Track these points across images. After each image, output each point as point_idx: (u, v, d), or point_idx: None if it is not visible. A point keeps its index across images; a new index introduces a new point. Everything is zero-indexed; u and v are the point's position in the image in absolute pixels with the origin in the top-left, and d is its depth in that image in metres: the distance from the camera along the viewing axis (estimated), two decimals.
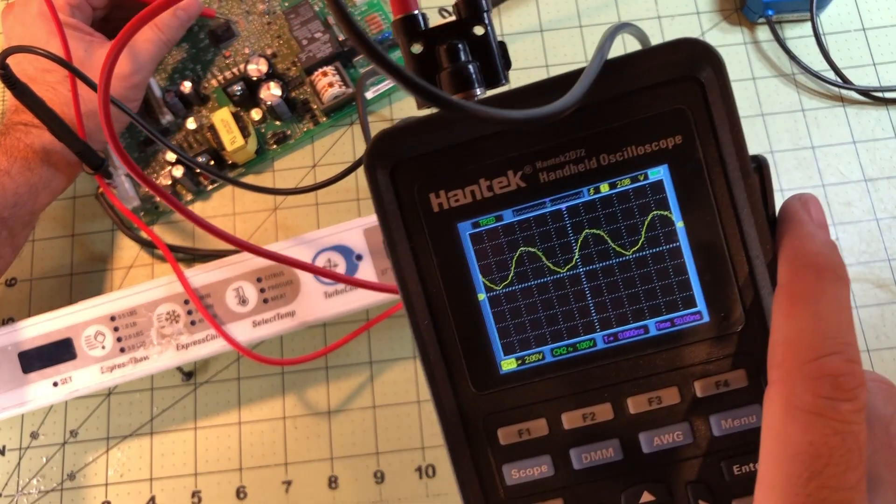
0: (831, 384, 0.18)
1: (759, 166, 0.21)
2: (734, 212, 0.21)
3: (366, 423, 0.45)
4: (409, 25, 0.22)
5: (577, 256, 0.22)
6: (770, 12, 0.50)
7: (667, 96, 0.21)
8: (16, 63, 0.37)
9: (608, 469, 0.22)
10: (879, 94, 0.49)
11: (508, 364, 0.22)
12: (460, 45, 0.22)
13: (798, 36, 0.51)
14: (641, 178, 0.21)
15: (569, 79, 0.20)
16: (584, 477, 0.22)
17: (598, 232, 0.22)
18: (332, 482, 0.44)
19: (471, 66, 0.22)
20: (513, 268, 0.22)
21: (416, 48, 0.22)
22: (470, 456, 0.22)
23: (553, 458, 0.22)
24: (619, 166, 0.21)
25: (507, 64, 0.23)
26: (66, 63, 0.39)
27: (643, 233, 0.21)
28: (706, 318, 0.21)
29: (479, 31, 0.22)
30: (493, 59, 0.22)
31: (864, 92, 0.49)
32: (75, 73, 0.39)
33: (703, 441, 0.21)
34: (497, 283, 0.22)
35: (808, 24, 0.50)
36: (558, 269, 0.22)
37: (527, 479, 0.22)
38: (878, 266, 0.46)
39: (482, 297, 0.22)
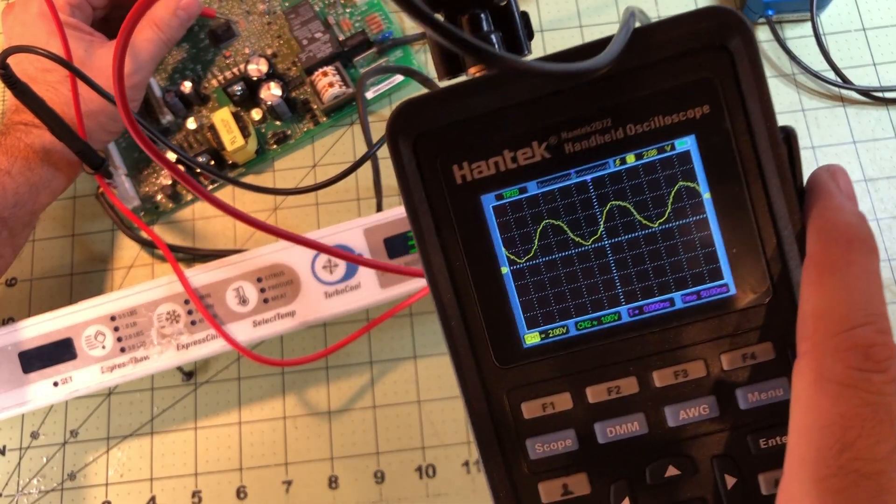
0: (863, 355, 0.17)
1: (788, 136, 0.20)
2: (762, 183, 0.21)
3: (366, 423, 0.45)
4: None
5: (602, 229, 0.21)
6: (770, 12, 0.50)
7: (695, 65, 0.20)
8: (16, 63, 0.37)
9: (633, 443, 0.21)
10: (879, 94, 0.49)
11: (532, 338, 0.22)
12: (483, 15, 0.21)
13: (798, 36, 0.51)
14: (668, 149, 0.21)
15: (600, 45, 0.19)
16: (608, 451, 0.21)
17: (624, 204, 0.21)
18: (333, 482, 0.44)
19: (493, 36, 0.21)
20: (536, 240, 0.21)
21: (438, 17, 0.22)
22: (493, 432, 0.22)
23: (577, 432, 0.21)
24: (645, 136, 0.21)
25: (530, 34, 0.22)
26: (66, 63, 0.39)
27: (669, 204, 0.21)
28: (733, 291, 0.21)
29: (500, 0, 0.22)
30: (516, 29, 0.22)
31: (865, 92, 0.49)
32: (75, 73, 0.39)
33: (730, 414, 0.21)
34: (521, 255, 0.22)
35: (809, 24, 0.50)
36: (583, 242, 0.21)
37: (551, 453, 0.21)
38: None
39: (505, 270, 0.22)
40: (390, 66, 0.50)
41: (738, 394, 0.21)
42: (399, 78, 0.50)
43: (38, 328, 0.40)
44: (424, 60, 0.52)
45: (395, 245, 0.40)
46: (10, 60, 0.36)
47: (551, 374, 0.22)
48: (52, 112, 0.39)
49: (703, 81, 0.20)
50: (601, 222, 0.21)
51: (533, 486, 0.22)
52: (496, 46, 0.21)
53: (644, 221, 0.21)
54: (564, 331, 0.22)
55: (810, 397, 0.18)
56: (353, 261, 0.37)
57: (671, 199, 0.21)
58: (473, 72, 0.22)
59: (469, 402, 0.22)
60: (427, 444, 0.44)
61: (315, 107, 0.50)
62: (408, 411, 0.45)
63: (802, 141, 0.48)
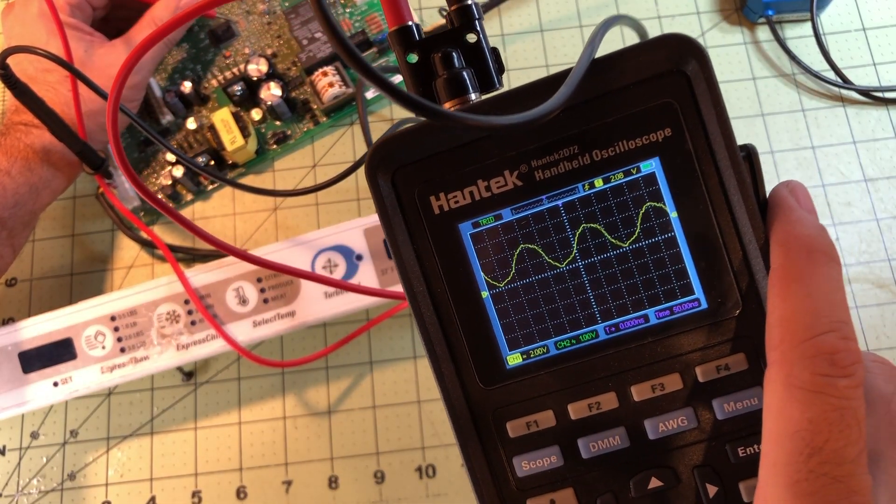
0: (828, 361, 0.18)
1: (749, 154, 0.21)
2: (725, 200, 0.21)
3: (366, 423, 0.45)
4: (404, 36, 0.23)
5: (575, 251, 0.22)
6: (770, 12, 0.50)
7: (655, 91, 0.21)
8: (16, 63, 0.37)
9: (616, 457, 0.22)
10: (879, 94, 0.49)
11: (514, 359, 0.22)
12: (454, 53, 0.22)
13: (798, 36, 0.51)
14: (634, 172, 0.22)
15: (558, 80, 0.20)
16: (592, 466, 0.22)
17: (595, 226, 0.22)
18: (333, 482, 0.44)
19: (465, 73, 0.22)
20: (514, 264, 0.22)
21: (412, 57, 0.23)
22: (481, 450, 0.22)
23: (561, 448, 0.22)
24: (611, 161, 0.22)
25: (501, 69, 0.23)
26: (66, 63, 0.39)
27: (638, 224, 0.22)
28: (704, 305, 0.22)
29: (471, 38, 0.23)
30: (487, 65, 0.23)
31: (865, 92, 0.49)
32: (75, 74, 0.39)
33: (707, 425, 0.22)
34: (499, 280, 0.22)
35: (809, 24, 0.50)
36: (558, 264, 0.22)
37: (537, 469, 0.22)
38: (878, 266, 0.46)
39: (485, 294, 0.22)
40: (390, 66, 0.50)
41: (714, 404, 0.22)
42: (399, 78, 0.50)
43: (38, 328, 0.40)
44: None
45: None
46: (10, 60, 0.36)
47: (534, 393, 0.22)
48: (51, 112, 0.39)
49: (663, 105, 0.21)
50: (574, 245, 0.22)
51: (521, 502, 0.22)
52: (468, 82, 0.22)
53: (615, 242, 0.22)
54: (545, 350, 0.22)
55: (780, 404, 0.18)
56: (331, 283, 0.37)
57: (640, 220, 0.22)
58: (449, 106, 0.23)
59: (456, 423, 0.22)
60: (427, 445, 0.44)
61: (315, 107, 0.50)
62: (408, 411, 0.45)
63: (802, 141, 0.49)
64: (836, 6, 0.51)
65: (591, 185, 0.22)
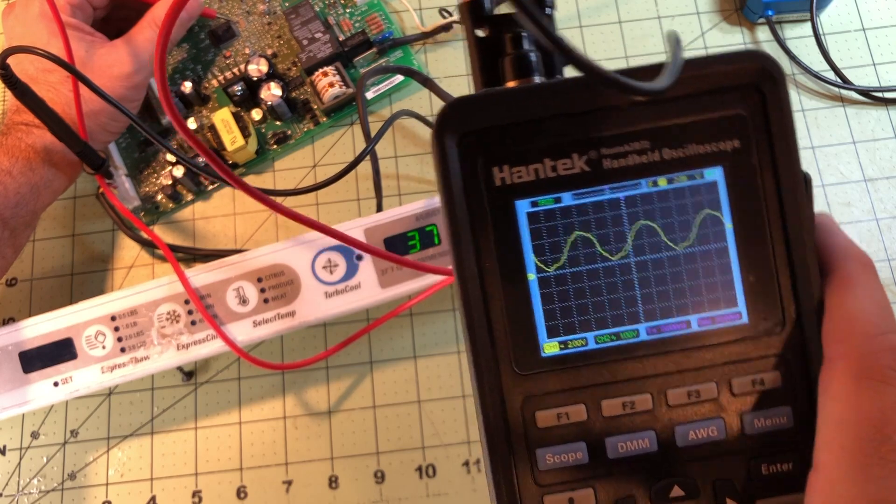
0: None
1: (806, 182, 0.22)
2: (782, 220, 0.22)
3: (366, 422, 0.45)
4: (476, 10, 0.23)
5: (629, 246, 0.22)
6: (770, 12, 0.50)
7: (730, 101, 0.21)
8: (17, 63, 0.37)
9: (641, 461, 0.21)
10: (879, 95, 0.49)
11: (551, 347, 0.22)
12: (525, 34, 0.22)
13: (798, 36, 0.51)
14: (697, 177, 0.22)
15: (654, 70, 0.20)
16: (616, 467, 0.21)
17: (652, 224, 0.22)
18: (333, 482, 0.44)
19: (533, 55, 0.22)
20: (566, 251, 0.22)
21: (481, 32, 0.23)
22: (505, 438, 0.22)
23: (588, 445, 0.22)
24: (679, 162, 0.22)
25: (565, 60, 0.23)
26: (66, 64, 0.39)
27: (694, 230, 0.22)
28: (745, 319, 0.22)
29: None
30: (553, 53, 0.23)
31: (864, 92, 0.49)
32: (75, 74, 0.39)
33: (735, 439, 0.21)
34: (549, 264, 0.22)
35: (808, 25, 0.50)
36: (610, 257, 0.22)
37: (560, 465, 0.21)
38: (878, 266, 0.46)
39: (532, 277, 0.22)
40: (390, 67, 0.50)
41: (745, 419, 0.21)
42: (399, 78, 0.50)
43: (38, 328, 0.40)
44: (424, 61, 0.52)
45: (395, 245, 0.40)
46: (11, 60, 0.36)
47: (568, 385, 0.22)
48: (52, 112, 0.39)
49: (735, 117, 0.22)
50: (629, 240, 0.22)
51: (538, 498, 0.22)
52: (534, 64, 0.22)
53: (669, 243, 0.22)
54: (584, 343, 0.22)
55: (848, 393, 0.19)
56: (392, 258, 0.37)
57: (696, 225, 0.22)
58: (511, 85, 0.23)
59: (484, 405, 0.22)
60: (427, 444, 0.44)
61: (315, 107, 0.50)
62: (408, 411, 0.45)
63: (802, 141, 0.49)
64: (836, 6, 0.51)
65: (655, 183, 0.22)
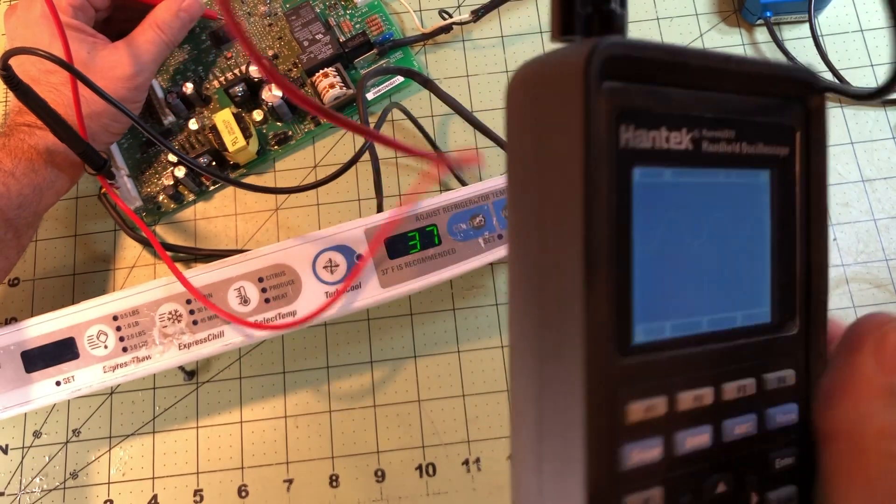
0: None
1: None
2: (809, 233, 0.23)
3: (366, 422, 0.45)
4: None
5: (705, 234, 0.21)
6: (768, 14, 0.50)
7: (784, 110, 0.22)
8: (19, 64, 0.37)
9: (699, 456, 0.20)
10: None
11: (641, 332, 0.20)
12: None
13: (796, 37, 0.51)
14: (756, 177, 0.22)
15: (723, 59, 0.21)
16: (680, 463, 0.20)
17: (723, 215, 0.22)
18: (333, 480, 0.44)
19: (620, 13, 0.21)
20: (659, 231, 0.20)
21: None
22: (597, 429, 0.19)
23: (665, 441, 0.20)
24: (749, 158, 0.22)
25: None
26: (66, 65, 0.39)
27: (747, 227, 0.22)
28: (769, 318, 0.23)
29: None
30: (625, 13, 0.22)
31: None
32: (76, 75, 0.39)
33: (762, 433, 0.22)
34: (645, 242, 0.20)
35: (807, 26, 0.51)
36: (690, 243, 0.21)
37: (641, 462, 0.19)
38: (875, 266, 0.46)
39: (635, 253, 0.20)
40: (391, 68, 0.51)
41: (767, 413, 0.22)
42: (399, 79, 0.50)
43: (40, 328, 0.40)
44: (424, 62, 0.52)
45: (395, 245, 0.40)
46: (13, 62, 0.36)
47: (655, 374, 0.20)
48: (54, 114, 0.40)
49: (787, 127, 0.22)
50: (707, 227, 0.21)
51: (619, 499, 0.19)
52: (621, 23, 0.21)
53: (732, 237, 0.22)
54: (664, 330, 0.21)
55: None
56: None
57: (749, 223, 0.22)
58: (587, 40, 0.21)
59: (590, 390, 0.18)
60: (427, 443, 0.44)
61: None
62: (408, 410, 0.45)
63: None
64: (834, 8, 0.52)
65: (729, 175, 0.22)
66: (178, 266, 0.48)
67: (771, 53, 0.51)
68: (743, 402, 0.21)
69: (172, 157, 0.49)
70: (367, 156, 0.47)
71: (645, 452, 0.19)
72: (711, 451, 0.21)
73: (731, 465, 0.21)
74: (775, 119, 0.22)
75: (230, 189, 0.50)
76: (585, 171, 0.18)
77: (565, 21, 0.21)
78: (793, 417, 0.22)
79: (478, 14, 0.51)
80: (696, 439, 0.20)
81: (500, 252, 0.40)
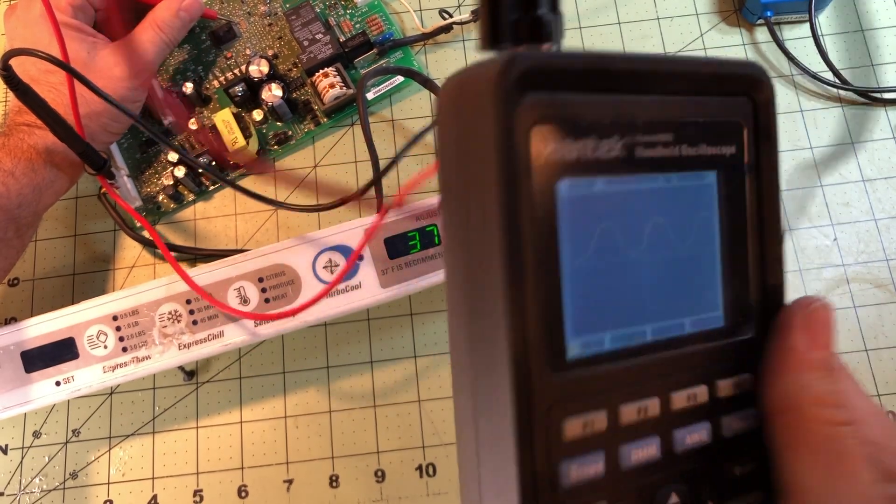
0: None
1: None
2: (761, 232, 0.22)
3: (366, 422, 0.45)
4: None
5: (644, 242, 0.21)
6: (769, 13, 0.50)
7: (730, 107, 0.22)
8: (18, 64, 0.37)
9: (647, 469, 0.20)
10: (878, 95, 0.49)
11: (575, 346, 0.20)
12: None
13: (797, 37, 0.51)
14: (700, 179, 0.22)
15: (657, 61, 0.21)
16: (627, 477, 0.20)
17: (663, 221, 0.21)
18: (333, 481, 0.44)
19: (550, 19, 0.20)
20: (593, 242, 0.20)
21: None
22: (530, 447, 0.18)
23: (606, 455, 0.20)
24: (691, 160, 0.21)
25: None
26: (65, 65, 0.39)
27: (693, 231, 0.22)
28: (722, 322, 0.22)
29: None
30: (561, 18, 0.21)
31: (863, 93, 0.49)
32: (74, 76, 0.39)
33: (717, 442, 0.21)
34: (577, 255, 0.20)
35: (807, 26, 0.50)
36: (627, 252, 0.21)
37: (583, 479, 0.19)
38: (876, 266, 0.46)
39: (564, 266, 0.19)
40: (391, 68, 0.51)
41: (723, 421, 0.21)
42: (399, 79, 0.50)
43: (40, 328, 0.40)
44: (424, 62, 0.52)
45: (395, 245, 0.40)
46: (13, 62, 0.36)
47: (592, 389, 0.20)
48: (54, 113, 0.40)
49: (733, 124, 0.22)
50: (645, 235, 0.21)
51: None
52: (551, 29, 0.20)
53: (675, 242, 0.21)
54: (602, 342, 0.20)
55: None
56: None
57: (695, 227, 0.22)
58: (521, 50, 0.20)
59: (519, 409, 0.18)
60: (427, 444, 0.44)
61: (316, 108, 0.50)
62: (408, 410, 0.45)
63: (801, 142, 0.49)
64: (835, 7, 0.52)
65: (669, 179, 0.21)
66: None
67: (771, 53, 0.51)
68: (694, 410, 0.21)
69: (172, 157, 0.49)
70: (366, 155, 0.47)
71: (585, 468, 0.19)
72: (663, 462, 0.20)
73: (685, 476, 0.21)
74: (719, 118, 0.22)
75: (230, 189, 0.50)
76: (501, 186, 0.18)
77: (493, 30, 0.21)
78: (753, 423, 0.21)
79: (478, 14, 0.51)
80: (643, 452, 0.20)
81: None
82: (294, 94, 0.51)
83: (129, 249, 0.49)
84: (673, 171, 0.21)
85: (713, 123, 0.21)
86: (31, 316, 0.41)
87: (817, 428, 0.20)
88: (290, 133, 0.50)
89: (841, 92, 0.50)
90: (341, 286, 0.40)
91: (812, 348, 0.21)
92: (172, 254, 0.48)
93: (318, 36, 0.50)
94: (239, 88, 0.49)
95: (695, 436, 0.21)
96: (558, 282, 0.19)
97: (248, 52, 0.52)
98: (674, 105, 0.21)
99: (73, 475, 0.45)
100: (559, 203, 0.19)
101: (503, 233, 0.18)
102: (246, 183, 0.50)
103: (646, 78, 0.20)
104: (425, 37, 0.52)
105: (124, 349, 0.40)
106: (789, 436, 0.21)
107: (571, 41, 0.52)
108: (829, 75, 0.49)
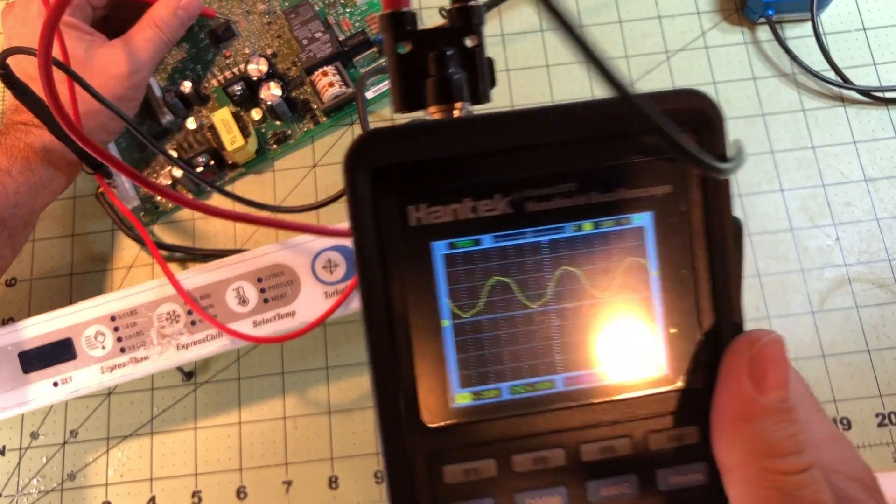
0: None
1: (737, 228, 0.21)
2: (710, 269, 0.21)
3: (366, 423, 0.44)
4: (398, 23, 0.21)
5: (549, 293, 0.21)
6: (770, 12, 0.50)
7: (661, 144, 0.20)
8: (16, 63, 0.37)
9: None
10: (880, 94, 0.49)
11: (463, 398, 0.21)
12: (451, 53, 0.21)
13: (798, 36, 0.51)
14: (625, 223, 0.21)
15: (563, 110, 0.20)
16: None
17: (575, 270, 0.21)
18: (333, 482, 0.44)
19: (458, 76, 0.21)
20: (483, 296, 0.21)
21: (403, 48, 0.21)
22: (410, 493, 0.20)
23: (496, 502, 0.20)
24: (605, 206, 0.20)
25: (493, 82, 0.22)
26: (62, 65, 0.38)
27: (617, 277, 0.21)
28: (666, 371, 0.21)
29: (470, 42, 0.21)
30: (482, 74, 0.21)
31: (865, 92, 0.49)
32: (71, 76, 0.39)
33: (648, 495, 0.21)
34: (465, 310, 0.21)
35: (809, 24, 0.50)
36: (529, 304, 0.21)
37: None
38: (878, 266, 0.46)
39: (446, 323, 0.21)
40: None
41: (658, 475, 0.21)
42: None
43: (37, 328, 0.40)
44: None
45: None
46: (11, 60, 0.36)
47: (478, 439, 0.21)
48: (51, 112, 0.39)
49: (667, 161, 0.20)
50: (550, 286, 0.21)
51: None
52: (462, 88, 0.21)
53: (591, 291, 0.21)
54: (497, 394, 0.21)
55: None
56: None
57: (620, 273, 0.21)
58: (433, 111, 0.21)
59: (389, 460, 0.20)
60: None
61: (315, 107, 0.50)
62: None
63: (803, 141, 0.49)
64: (837, 6, 0.51)
65: (580, 228, 0.21)
66: (177, 266, 0.48)
67: (773, 52, 0.50)
68: (613, 463, 0.21)
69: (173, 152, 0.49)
70: None
71: None
72: None
73: None
74: (643, 157, 0.20)
75: (228, 187, 0.49)
76: (359, 252, 0.20)
77: (403, 96, 0.22)
78: (697, 478, 0.21)
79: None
80: (543, 501, 0.20)
81: None
82: (293, 93, 0.50)
83: (128, 249, 0.49)
84: (583, 219, 0.21)
85: (636, 164, 0.20)
86: (29, 316, 0.41)
87: (776, 481, 0.18)
88: (289, 132, 0.50)
89: (843, 91, 0.49)
90: (341, 286, 0.40)
91: (763, 392, 0.19)
92: (173, 254, 0.48)
93: (318, 34, 0.50)
94: (238, 87, 0.49)
95: (613, 489, 0.20)
96: (440, 339, 0.20)
97: (246, 50, 0.52)
98: (579, 152, 0.20)
99: (72, 476, 0.45)
100: (436, 263, 0.20)
101: (362, 298, 0.20)
102: (245, 182, 0.50)
103: (516, 133, 0.20)
104: None
105: (122, 350, 0.40)
106: (745, 493, 0.19)
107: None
108: (831, 74, 0.49)
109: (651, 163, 0.20)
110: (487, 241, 0.20)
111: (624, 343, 0.21)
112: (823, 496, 0.18)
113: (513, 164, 0.20)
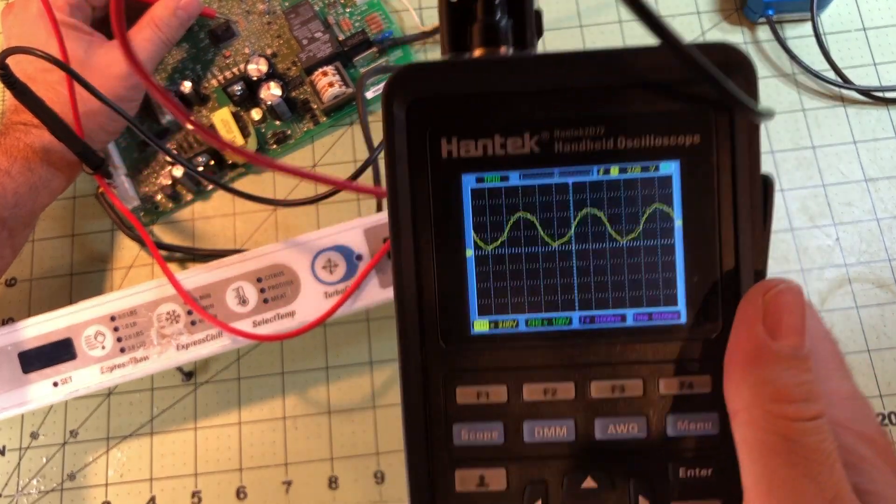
0: None
1: (766, 184, 0.21)
2: (735, 224, 0.21)
3: (366, 423, 0.44)
4: None
5: (572, 233, 0.21)
6: (770, 12, 0.49)
7: (694, 95, 0.21)
8: (16, 63, 0.37)
9: (557, 448, 0.21)
10: (880, 94, 0.49)
11: (481, 325, 0.22)
12: (498, 1, 0.22)
13: (798, 36, 0.51)
14: (652, 169, 0.21)
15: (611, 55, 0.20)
16: (531, 451, 0.21)
17: (598, 213, 0.21)
18: (333, 482, 0.44)
19: (504, 23, 0.21)
20: (506, 230, 0.22)
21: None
22: (423, 411, 0.21)
23: (505, 426, 0.21)
24: (633, 152, 0.21)
25: (540, 31, 0.22)
26: (62, 64, 0.38)
27: (641, 223, 0.21)
28: (684, 319, 0.21)
29: None
30: (528, 22, 0.22)
31: (865, 92, 0.49)
32: (71, 75, 0.39)
33: (656, 438, 0.21)
34: (488, 242, 0.22)
35: (809, 24, 0.50)
36: (551, 242, 0.21)
37: (475, 442, 0.21)
38: (878, 266, 0.46)
39: (470, 253, 0.22)
40: (390, 66, 0.50)
41: (668, 419, 0.21)
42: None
43: (37, 328, 0.40)
44: (424, 60, 0.52)
45: None
46: (10, 60, 0.36)
47: (492, 365, 0.22)
48: (51, 112, 0.39)
49: (699, 111, 0.21)
50: (573, 226, 0.21)
51: (450, 472, 0.22)
52: (506, 34, 0.22)
53: (614, 234, 0.21)
54: (514, 325, 0.22)
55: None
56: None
57: (644, 219, 0.21)
58: (478, 54, 0.22)
59: (405, 375, 0.21)
60: None
61: (315, 107, 0.50)
62: None
63: (802, 141, 0.48)
64: (837, 6, 0.51)
65: (607, 172, 0.21)
66: (177, 266, 0.48)
67: (773, 52, 0.50)
68: (623, 402, 0.21)
69: (173, 151, 0.49)
70: (365, 154, 0.47)
71: (478, 433, 0.21)
72: (577, 446, 0.21)
73: (608, 465, 0.21)
74: (676, 106, 0.21)
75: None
76: (390, 180, 0.21)
77: (451, 36, 0.23)
78: (707, 427, 0.21)
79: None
80: (550, 431, 0.21)
81: None
82: (293, 93, 0.50)
83: (127, 249, 0.49)
84: (610, 163, 0.21)
85: (666, 113, 0.21)
86: (29, 316, 0.40)
87: (780, 426, 0.18)
88: (288, 132, 0.50)
89: (843, 91, 0.49)
90: (341, 286, 0.40)
91: (776, 338, 0.19)
92: (173, 254, 0.48)
93: (318, 34, 0.50)
94: (238, 87, 0.49)
95: (620, 427, 0.21)
96: (463, 267, 0.21)
97: (246, 50, 0.52)
98: (609, 97, 0.21)
99: (71, 476, 0.45)
100: (464, 195, 0.21)
101: (391, 223, 0.21)
102: (245, 182, 0.50)
103: (554, 74, 0.20)
104: (425, 35, 0.51)
105: (122, 350, 0.40)
106: (749, 436, 0.19)
107: (571, 40, 0.52)
108: (831, 74, 0.49)
109: (682, 112, 0.21)
110: (515, 178, 0.21)
111: (643, 288, 0.21)
112: (826, 446, 0.18)
113: (544, 104, 0.21)
